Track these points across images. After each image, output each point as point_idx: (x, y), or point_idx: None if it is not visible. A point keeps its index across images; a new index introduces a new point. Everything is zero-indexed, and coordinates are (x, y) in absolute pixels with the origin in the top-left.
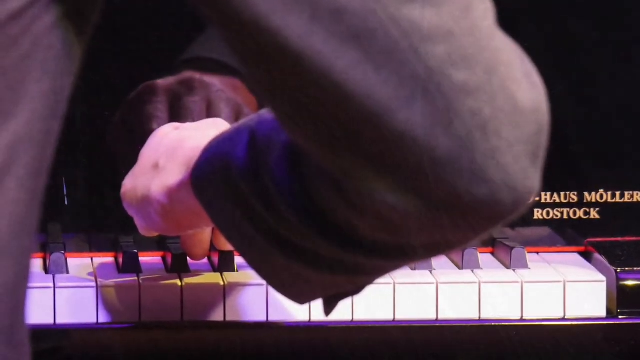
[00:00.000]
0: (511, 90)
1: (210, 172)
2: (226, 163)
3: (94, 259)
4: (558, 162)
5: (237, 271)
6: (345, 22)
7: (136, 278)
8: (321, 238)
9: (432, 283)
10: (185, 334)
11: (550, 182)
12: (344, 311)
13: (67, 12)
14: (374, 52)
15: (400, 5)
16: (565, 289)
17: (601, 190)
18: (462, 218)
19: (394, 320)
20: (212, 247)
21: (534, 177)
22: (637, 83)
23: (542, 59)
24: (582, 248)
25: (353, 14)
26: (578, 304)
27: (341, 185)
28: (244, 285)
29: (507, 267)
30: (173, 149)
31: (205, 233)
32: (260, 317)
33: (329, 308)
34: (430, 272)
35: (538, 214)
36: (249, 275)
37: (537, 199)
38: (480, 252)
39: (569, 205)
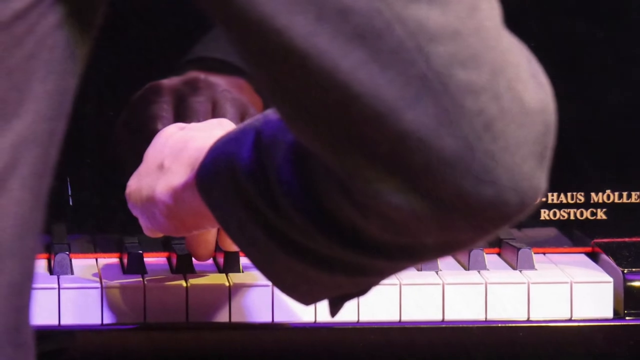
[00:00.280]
0: (518, 91)
1: (215, 173)
2: (231, 163)
3: (98, 259)
4: (565, 163)
5: (243, 272)
6: (351, 21)
7: (141, 279)
8: (327, 239)
9: (439, 284)
10: (190, 335)
11: (557, 183)
12: (349, 312)
13: (72, 11)
14: (380, 52)
15: (406, 5)
16: (572, 290)
17: (608, 191)
18: (469, 219)
19: (400, 322)
20: (217, 247)
21: (540, 178)
22: None
23: (548, 59)
24: (589, 249)
25: (359, 13)
26: (585, 305)
27: (347, 186)
28: (250, 286)
29: (514, 268)
30: (178, 150)
31: (210, 234)
32: (266, 318)
33: (334, 309)
34: (437, 273)
35: (545, 214)
36: (255, 276)
37: (544, 199)
38: (486, 253)
39: (576, 205)
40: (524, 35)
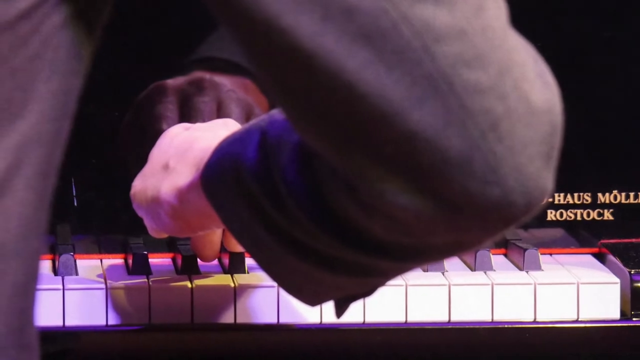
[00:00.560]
0: (524, 91)
1: (220, 173)
2: (237, 164)
3: (103, 260)
4: (571, 163)
5: (248, 273)
6: (357, 21)
7: (146, 280)
8: (332, 239)
9: (445, 285)
10: (195, 336)
11: (564, 183)
12: (355, 313)
13: (76, 11)
14: (386, 51)
15: (412, 5)
16: (579, 290)
17: (615, 191)
18: (475, 219)
19: (406, 323)
20: (223, 248)
21: (547, 178)
22: None
23: (555, 59)
24: (595, 249)
25: (365, 13)
26: (591, 306)
27: (352, 186)
28: (255, 287)
29: (520, 269)
30: (183, 150)
31: (215, 234)
32: (271, 319)
33: (340, 310)
34: (443, 274)
35: (551, 215)
36: (260, 277)
37: (551, 200)
38: (493, 254)
39: (583, 206)
40: (531, 34)
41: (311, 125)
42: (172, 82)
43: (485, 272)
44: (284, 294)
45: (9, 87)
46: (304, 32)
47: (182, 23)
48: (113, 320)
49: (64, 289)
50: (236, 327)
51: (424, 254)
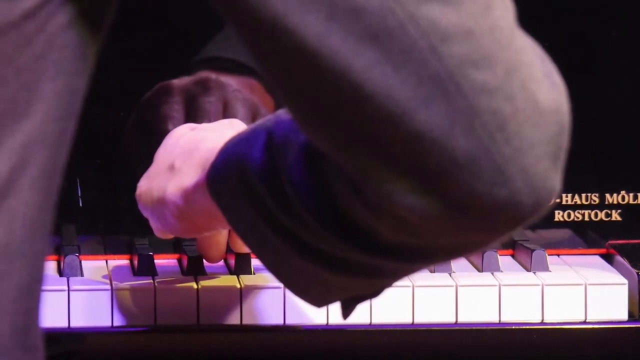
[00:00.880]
0: (532, 91)
1: (226, 174)
2: (243, 164)
3: (108, 261)
4: (579, 163)
5: (254, 274)
6: (364, 21)
7: (151, 281)
8: (339, 240)
9: (452, 286)
10: (201, 337)
11: (571, 184)
12: (362, 314)
13: (82, 11)
14: (393, 51)
15: (419, 4)
16: (587, 292)
17: (623, 192)
18: (482, 220)
19: (412, 324)
20: (229, 249)
21: (554, 179)
22: None
23: (562, 59)
24: (603, 250)
25: (371, 13)
26: (599, 307)
27: (359, 187)
28: (261, 288)
29: (528, 270)
30: (189, 150)
31: (221, 235)
32: (278, 320)
33: (347, 311)
34: (450, 275)
35: (559, 215)
36: (266, 278)
37: (558, 200)
38: (500, 255)
39: (590, 207)
40: (538, 34)
41: (317, 125)
42: (178, 82)
43: (492, 273)
44: (290, 295)
45: (14, 87)
46: (310, 32)
47: (188, 22)
48: (118, 321)
49: (69, 290)
50: (242, 329)
51: (430, 254)
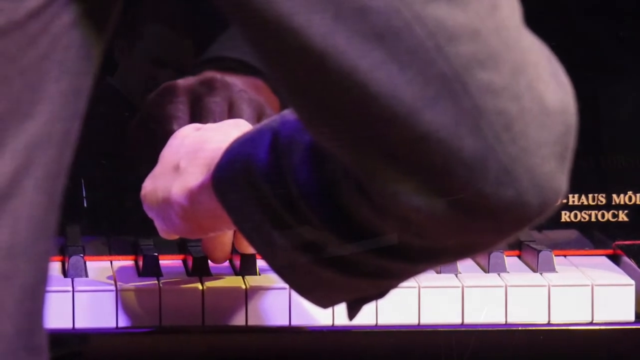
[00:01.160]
0: (538, 91)
1: (231, 174)
2: (248, 164)
3: (113, 262)
4: (586, 164)
5: (259, 274)
6: (370, 21)
7: (156, 282)
8: (345, 241)
9: (458, 287)
10: (206, 338)
11: (578, 184)
12: (368, 315)
13: (86, 11)
14: (399, 51)
15: (426, 4)
16: (593, 292)
17: (630, 192)
18: (489, 220)
19: (418, 325)
20: (234, 250)
21: (561, 179)
22: None
23: (569, 58)
24: (610, 251)
25: (377, 12)
26: (606, 308)
27: (365, 187)
28: (266, 289)
29: (534, 271)
30: (194, 151)
31: (226, 236)
32: (283, 321)
33: (352, 312)
34: (456, 276)
35: (565, 216)
36: (271, 279)
37: (565, 201)
38: (506, 255)
39: (597, 207)
40: (544, 34)
41: (323, 125)
42: (183, 82)
43: (498, 274)
44: (295, 296)
45: (18, 87)
46: (315, 32)
47: (193, 22)
48: (123, 322)
49: (73, 291)
50: (247, 330)
51: (436, 255)
